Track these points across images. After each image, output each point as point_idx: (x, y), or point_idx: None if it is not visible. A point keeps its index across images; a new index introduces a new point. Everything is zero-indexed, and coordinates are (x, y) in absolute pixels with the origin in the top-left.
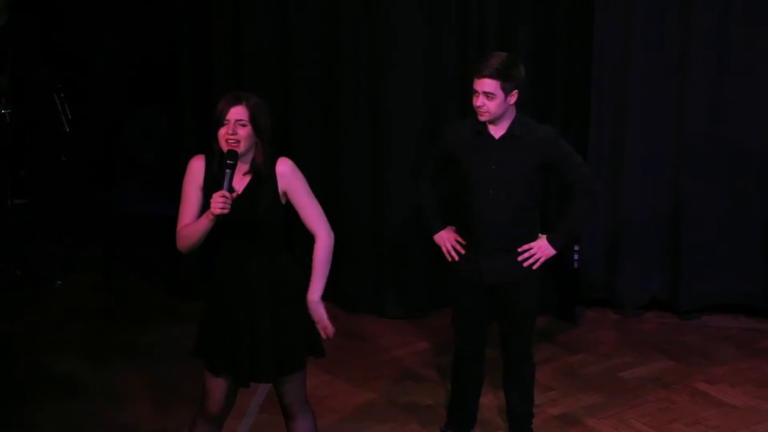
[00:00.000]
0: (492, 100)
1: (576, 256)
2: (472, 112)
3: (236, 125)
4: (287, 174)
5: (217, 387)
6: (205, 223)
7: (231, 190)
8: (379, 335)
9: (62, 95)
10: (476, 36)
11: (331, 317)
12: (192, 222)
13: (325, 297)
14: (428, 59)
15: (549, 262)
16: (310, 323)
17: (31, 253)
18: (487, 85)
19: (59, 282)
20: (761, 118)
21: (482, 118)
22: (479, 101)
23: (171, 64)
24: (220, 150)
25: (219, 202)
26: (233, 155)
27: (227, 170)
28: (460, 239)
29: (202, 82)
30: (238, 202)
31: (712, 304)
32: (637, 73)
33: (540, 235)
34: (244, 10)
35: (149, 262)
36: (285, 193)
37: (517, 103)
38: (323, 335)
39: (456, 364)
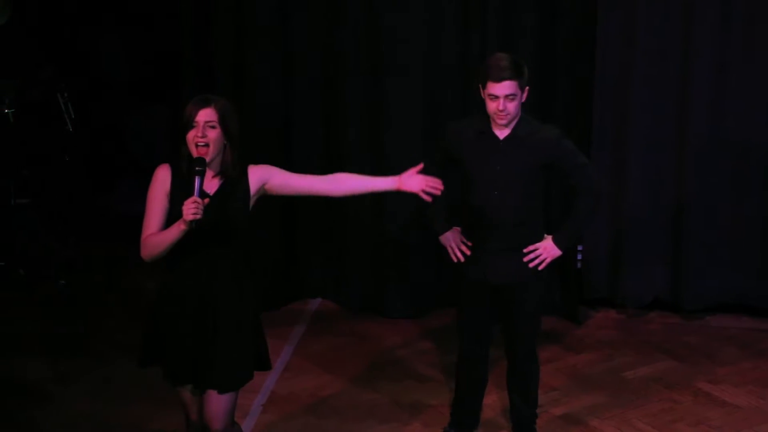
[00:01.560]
0: (513, 101)
1: (579, 256)
2: (474, 109)
3: (205, 127)
4: (260, 169)
5: (190, 396)
6: (175, 232)
7: (202, 196)
8: (382, 335)
9: (66, 95)
10: (477, 35)
11: (335, 317)
12: (159, 231)
13: (328, 296)
14: (429, 58)
15: (553, 263)
16: (258, 337)
17: (34, 252)
18: (507, 87)
19: (62, 281)
20: (763, 118)
21: (501, 122)
22: (501, 105)
23: (174, 64)
24: (189, 154)
25: (191, 208)
26: (201, 162)
27: (196, 177)
28: (465, 240)
29: (205, 83)
30: (209, 205)
31: (715, 304)
32: (639, 74)
33: (545, 235)
34: (246, 9)
35: (151, 262)
36: (261, 193)
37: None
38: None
39: (460, 365)
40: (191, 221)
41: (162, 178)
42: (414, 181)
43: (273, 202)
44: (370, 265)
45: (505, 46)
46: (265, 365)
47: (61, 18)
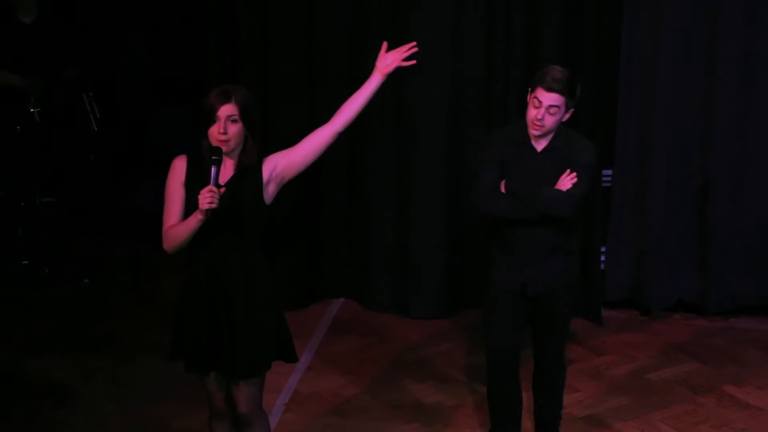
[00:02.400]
0: (553, 115)
1: (603, 257)
2: (499, 115)
3: (227, 122)
4: (270, 159)
5: (212, 383)
6: (193, 223)
7: (218, 185)
8: (404, 335)
9: (91, 94)
10: (503, 39)
11: (357, 317)
12: (179, 222)
13: (351, 296)
14: (453, 61)
15: (576, 266)
16: (280, 328)
17: (58, 251)
18: (554, 99)
19: (86, 280)
20: None
21: (535, 132)
22: (540, 114)
23: (198, 63)
24: (209, 145)
25: (207, 197)
26: (218, 151)
27: (213, 166)
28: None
29: (229, 81)
30: (224, 194)
31: (739, 307)
32: (664, 76)
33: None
34: (272, 10)
35: (175, 261)
36: (278, 180)
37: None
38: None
39: (493, 376)
40: (207, 210)
41: (178, 169)
42: (390, 60)
43: (296, 202)
44: (393, 265)
45: (529, 48)
46: (291, 356)
47: (86, 17)
